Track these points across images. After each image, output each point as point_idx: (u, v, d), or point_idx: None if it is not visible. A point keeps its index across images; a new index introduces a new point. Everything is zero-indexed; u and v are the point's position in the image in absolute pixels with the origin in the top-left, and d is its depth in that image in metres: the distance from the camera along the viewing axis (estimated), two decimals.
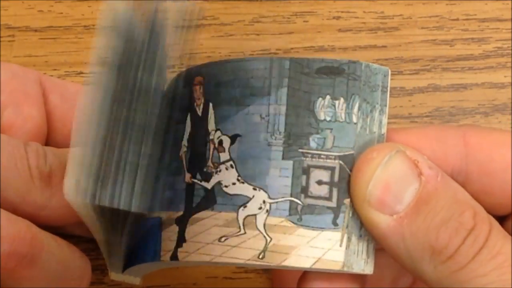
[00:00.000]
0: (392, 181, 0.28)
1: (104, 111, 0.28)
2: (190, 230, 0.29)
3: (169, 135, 0.30)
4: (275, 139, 0.29)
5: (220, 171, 0.29)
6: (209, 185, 0.29)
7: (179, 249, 0.29)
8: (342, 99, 0.29)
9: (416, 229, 0.28)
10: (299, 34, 0.44)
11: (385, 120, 0.29)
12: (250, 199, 0.29)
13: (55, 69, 0.43)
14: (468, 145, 0.31)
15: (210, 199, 0.29)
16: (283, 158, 0.29)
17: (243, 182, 0.29)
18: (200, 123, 0.30)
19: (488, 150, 0.31)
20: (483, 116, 0.42)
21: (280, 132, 0.29)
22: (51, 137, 0.35)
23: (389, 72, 0.30)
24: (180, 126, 0.30)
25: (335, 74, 0.29)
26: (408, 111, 0.43)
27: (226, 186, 0.29)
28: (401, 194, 0.28)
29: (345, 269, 0.28)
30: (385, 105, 0.30)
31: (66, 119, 0.35)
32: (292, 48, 0.44)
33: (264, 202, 0.29)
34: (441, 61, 0.44)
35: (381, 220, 0.28)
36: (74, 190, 0.27)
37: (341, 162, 0.29)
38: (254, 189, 0.29)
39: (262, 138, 0.29)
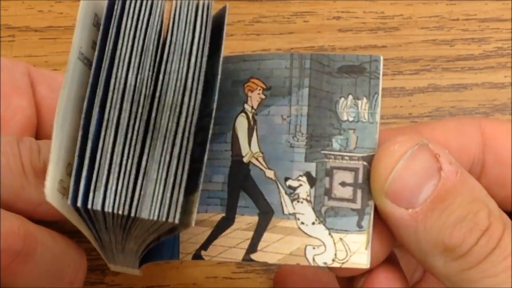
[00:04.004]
0: (412, 176, 0.28)
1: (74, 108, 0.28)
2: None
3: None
4: (297, 141, 0.29)
5: None
6: None
7: (202, 252, 0.29)
8: (365, 99, 0.29)
9: (430, 225, 0.27)
10: (299, 34, 0.44)
11: (378, 108, 0.29)
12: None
13: (55, 69, 0.43)
14: (484, 135, 0.31)
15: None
16: (305, 160, 0.29)
17: None
18: None
19: (503, 139, 0.31)
20: (483, 116, 0.42)
21: (302, 134, 0.29)
22: (40, 128, 0.35)
23: (381, 59, 0.29)
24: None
25: (357, 73, 0.29)
26: (408, 111, 0.43)
27: None
28: (419, 190, 0.28)
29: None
30: (376, 93, 0.29)
31: (55, 110, 0.35)
32: (292, 48, 0.44)
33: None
34: (441, 61, 0.44)
35: (396, 212, 0.28)
36: (56, 191, 0.27)
37: (364, 163, 0.28)
38: None
39: (284, 139, 0.29)
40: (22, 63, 0.36)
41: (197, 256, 0.29)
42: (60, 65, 0.43)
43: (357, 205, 0.28)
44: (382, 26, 0.44)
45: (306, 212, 0.28)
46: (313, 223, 0.28)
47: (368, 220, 0.28)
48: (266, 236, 0.29)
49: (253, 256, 0.29)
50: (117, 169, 0.27)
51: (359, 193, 0.28)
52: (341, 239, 0.28)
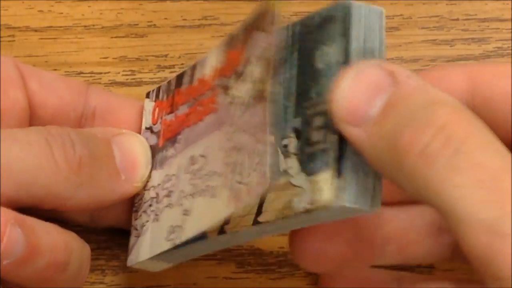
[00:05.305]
0: (360, 91, 0.26)
1: None
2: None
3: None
4: (289, 101, 0.29)
5: None
6: None
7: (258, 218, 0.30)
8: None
9: (384, 133, 0.25)
10: None
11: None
12: None
13: (55, 69, 0.43)
14: (472, 80, 0.30)
15: None
16: (294, 117, 0.29)
17: None
18: None
19: (490, 82, 0.30)
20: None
21: (292, 93, 0.29)
22: (32, 123, 0.35)
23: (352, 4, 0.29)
24: None
25: (330, 23, 0.29)
26: None
27: None
28: (371, 103, 0.25)
29: (340, 204, 0.27)
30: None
31: (46, 105, 0.35)
32: None
33: None
34: (441, 61, 0.44)
35: (354, 133, 0.26)
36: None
37: None
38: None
39: (281, 104, 0.29)
40: (10, 57, 0.36)
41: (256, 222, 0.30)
42: (60, 65, 0.43)
43: (326, 144, 0.27)
44: None
45: (294, 165, 0.29)
46: (298, 174, 0.28)
47: (332, 157, 0.27)
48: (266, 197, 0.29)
49: (260, 219, 0.29)
50: None
51: (328, 133, 0.28)
52: (315, 181, 0.28)
